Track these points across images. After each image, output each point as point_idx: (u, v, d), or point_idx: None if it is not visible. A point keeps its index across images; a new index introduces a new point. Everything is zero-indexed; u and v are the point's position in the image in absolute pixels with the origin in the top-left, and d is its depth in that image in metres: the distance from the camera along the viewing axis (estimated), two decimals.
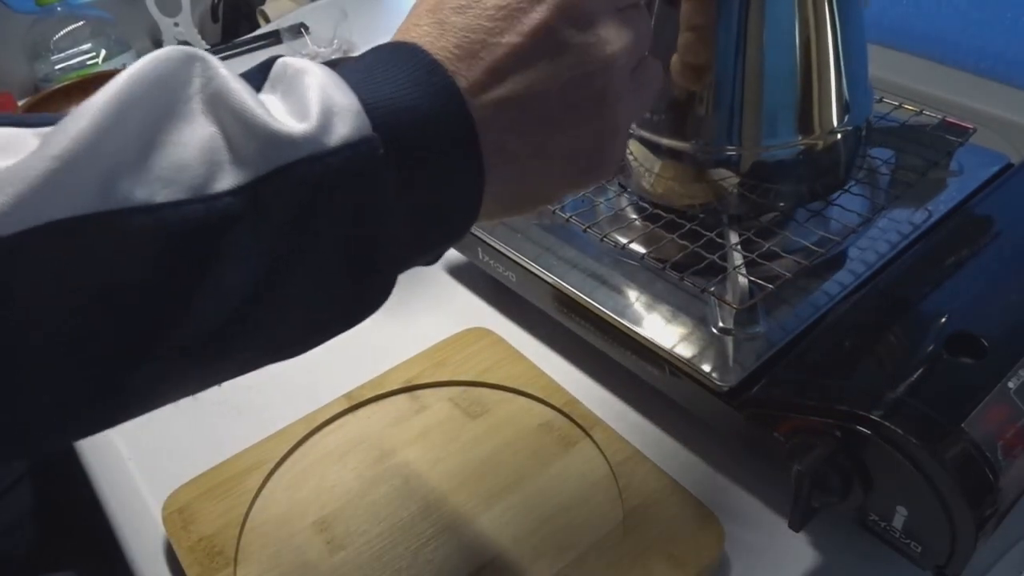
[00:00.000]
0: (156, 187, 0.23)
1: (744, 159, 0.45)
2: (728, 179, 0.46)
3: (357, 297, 0.29)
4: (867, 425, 0.35)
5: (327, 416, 0.49)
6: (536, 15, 0.29)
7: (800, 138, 0.45)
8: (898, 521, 0.36)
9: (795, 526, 0.38)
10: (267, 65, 0.28)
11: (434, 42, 0.29)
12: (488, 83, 0.28)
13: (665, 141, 0.46)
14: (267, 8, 1.12)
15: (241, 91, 0.25)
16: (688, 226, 0.49)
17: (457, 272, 0.62)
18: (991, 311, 0.42)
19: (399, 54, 0.28)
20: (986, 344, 0.38)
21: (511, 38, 0.29)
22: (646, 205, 0.53)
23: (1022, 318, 0.41)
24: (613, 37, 0.30)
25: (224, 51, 1.02)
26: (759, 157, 0.45)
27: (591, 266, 0.50)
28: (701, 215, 0.49)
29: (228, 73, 0.26)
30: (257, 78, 0.28)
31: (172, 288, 0.24)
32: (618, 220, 0.53)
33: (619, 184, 0.55)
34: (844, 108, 0.46)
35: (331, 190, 0.25)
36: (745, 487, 0.45)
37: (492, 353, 0.52)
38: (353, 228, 0.26)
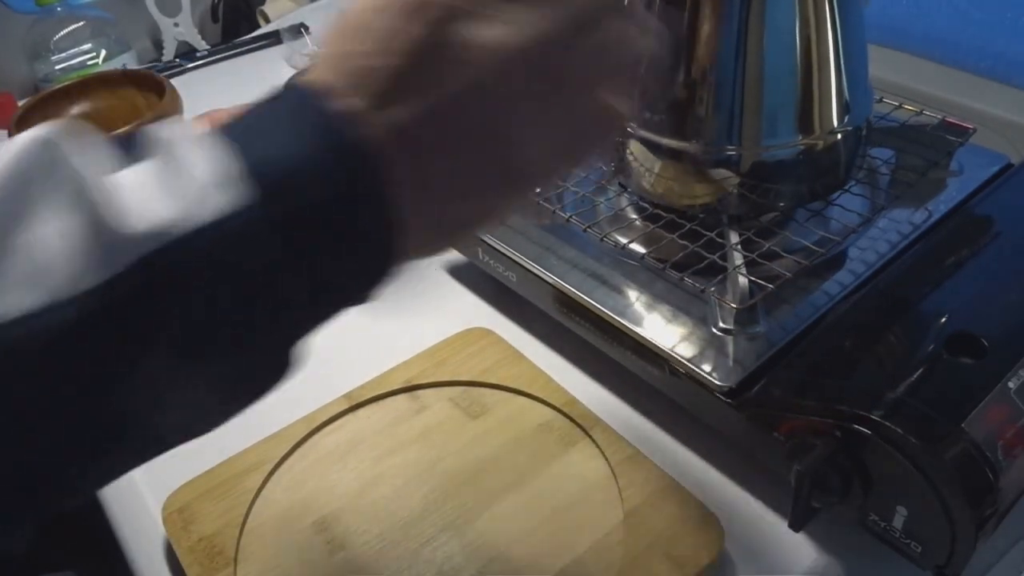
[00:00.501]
0: (17, 295, 0.22)
1: (744, 159, 0.45)
2: (728, 179, 0.46)
3: (251, 379, 0.28)
4: (867, 425, 0.35)
5: (327, 416, 0.49)
6: (411, 33, 0.27)
7: (800, 138, 0.45)
8: (898, 521, 0.36)
9: (795, 526, 0.38)
10: (144, 131, 0.26)
11: (326, 82, 0.27)
12: (382, 108, 0.27)
13: (665, 141, 0.46)
14: (267, 8, 1.12)
15: (101, 177, 0.24)
16: (688, 226, 0.49)
17: (457, 272, 0.62)
18: (991, 311, 0.42)
19: (289, 104, 0.27)
20: (986, 344, 0.38)
21: (392, 60, 0.27)
22: (646, 205, 0.53)
23: (1022, 318, 0.41)
24: (498, 36, 0.28)
25: (224, 51, 1.02)
26: (759, 157, 0.45)
27: (591, 266, 0.50)
28: (701, 215, 0.49)
29: (88, 158, 0.25)
30: (132, 144, 0.26)
31: (28, 402, 0.23)
32: (618, 220, 0.53)
33: (619, 184, 0.55)
34: (844, 108, 0.46)
35: (204, 267, 0.24)
36: (745, 487, 0.45)
37: (492, 353, 0.52)
38: (236, 304, 0.25)
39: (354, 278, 0.28)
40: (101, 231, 0.24)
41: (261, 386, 0.28)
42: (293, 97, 0.27)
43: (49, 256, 0.23)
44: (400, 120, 0.27)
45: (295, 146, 0.26)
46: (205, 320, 0.25)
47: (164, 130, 0.26)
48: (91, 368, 0.24)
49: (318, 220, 0.26)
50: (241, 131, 0.26)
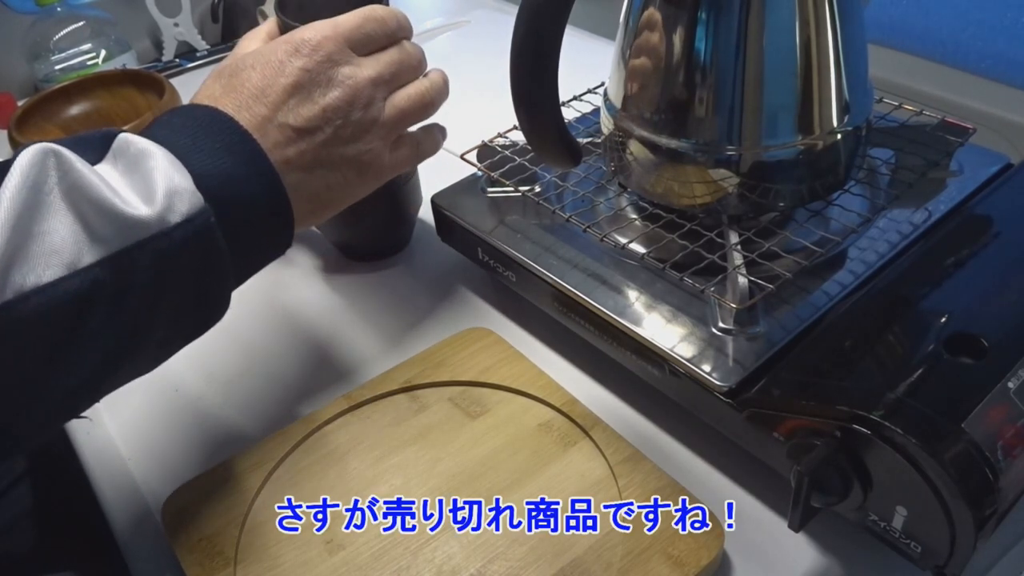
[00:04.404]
0: (40, 270, 0.30)
1: (744, 159, 0.45)
2: (728, 179, 0.46)
3: (203, 321, 0.39)
4: (867, 425, 0.35)
5: (327, 416, 0.49)
6: (295, 64, 0.40)
7: (800, 138, 0.45)
8: (898, 521, 0.36)
9: (795, 526, 0.38)
10: (109, 135, 0.35)
11: (231, 103, 0.39)
12: (275, 123, 0.39)
13: (665, 141, 0.46)
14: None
15: (96, 182, 0.32)
16: (688, 226, 0.49)
17: (457, 272, 0.62)
18: (991, 311, 0.42)
19: (214, 124, 0.37)
20: (986, 344, 0.38)
21: (285, 80, 0.39)
22: (646, 205, 0.53)
23: (1022, 318, 0.41)
24: (354, 72, 0.41)
25: (224, 51, 1.02)
26: (759, 157, 0.45)
27: (591, 266, 0.50)
28: (701, 215, 0.49)
29: (82, 166, 0.32)
30: (99, 146, 0.35)
31: (62, 341, 0.31)
32: (618, 220, 0.53)
33: (619, 184, 0.55)
34: (844, 108, 0.46)
35: (177, 256, 0.34)
36: (745, 487, 0.45)
37: (492, 353, 0.52)
38: (195, 279, 0.36)
39: (266, 250, 0.41)
40: (94, 222, 0.32)
41: (211, 321, 0.39)
42: (204, 114, 0.37)
43: (58, 240, 0.31)
44: (288, 138, 0.39)
45: (225, 160, 0.36)
46: (176, 282, 0.35)
47: (127, 142, 0.35)
48: (98, 320, 0.32)
49: (245, 215, 0.37)
50: (182, 138, 0.36)
